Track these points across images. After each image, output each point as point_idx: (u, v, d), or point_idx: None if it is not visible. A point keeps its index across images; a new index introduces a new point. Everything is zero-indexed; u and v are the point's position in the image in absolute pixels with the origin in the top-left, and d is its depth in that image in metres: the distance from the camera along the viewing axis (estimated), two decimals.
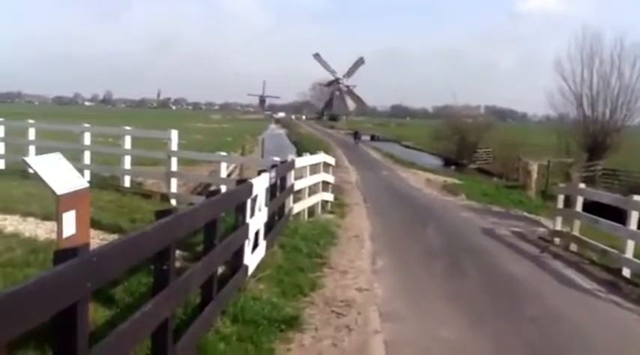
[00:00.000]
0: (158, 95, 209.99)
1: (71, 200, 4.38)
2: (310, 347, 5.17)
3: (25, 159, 4.70)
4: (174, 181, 12.06)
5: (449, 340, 5.63)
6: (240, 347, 4.73)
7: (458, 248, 10.52)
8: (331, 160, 15.39)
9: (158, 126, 30.55)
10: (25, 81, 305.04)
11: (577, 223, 10.87)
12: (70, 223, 4.32)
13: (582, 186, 11.74)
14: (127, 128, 13.24)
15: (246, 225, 6.11)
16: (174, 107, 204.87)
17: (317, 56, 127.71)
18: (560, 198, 12.01)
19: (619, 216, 9.84)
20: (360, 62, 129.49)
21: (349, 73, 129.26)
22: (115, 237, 7.20)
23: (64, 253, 2.59)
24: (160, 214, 3.79)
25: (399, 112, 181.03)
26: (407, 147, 60.06)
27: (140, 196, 11.80)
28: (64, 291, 2.43)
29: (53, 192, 4.26)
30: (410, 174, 27.05)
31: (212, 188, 12.71)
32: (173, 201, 11.76)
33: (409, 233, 11.89)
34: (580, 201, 10.92)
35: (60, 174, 4.49)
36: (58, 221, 4.27)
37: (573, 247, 10.76)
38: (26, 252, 6.29)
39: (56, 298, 2.37)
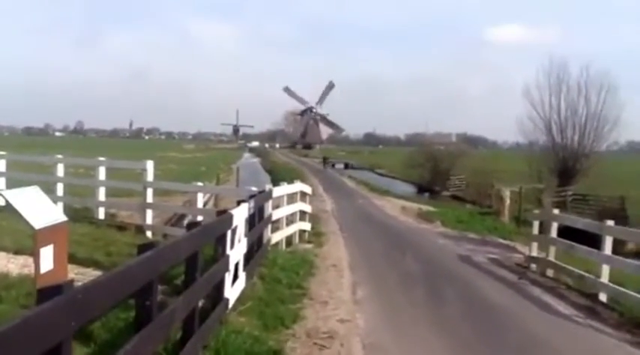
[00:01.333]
0: (130, 125, 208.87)
1: (49, 234, 4.29)
2: None
3: (1, 192, 4.60)
4: (149, 212, 11.89)
5: None
6: None
7: (437, 275, 10.54)
8: (308, 189, 15.39)
9: (131, 157, 30.27)
10: None
11: (552, 249, 11.00)
12: (47, 258, 4.23)
13: (556, 211, 11.91)
14: (101, 159, 13.04)
15: (227, 257, 6.03)
16: (146, 137, 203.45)
17: (287, 89, 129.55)
18: (535, 224, 12.15)
19: (590, 239, 10.03)
20: (330, 86, 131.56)
21: (321, 100, 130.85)
22: (90, 271, 7.04)
23: (48, 290, 2.51)
24: (142, 248, 3.72)
25: (371, 140, 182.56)
26: (381, 174, 60.51)
27: (115, 228, 11.59)
28: (49, 331, 2.34)
29: (31, 227, 4.17)
30: (385, 201, 27.17)
31: (188, 219, 12.58)
32: (148, 233, 11.58)
33: (387, 261, 11.88)
34: (555, 226, 11.06)
35: (37, 207, 4.39)
36: (36, 256, 4.17)
37: (550, 272, 10.86)
38: None
39: (41, 338, 2.28)
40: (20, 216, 4.20)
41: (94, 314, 3.00)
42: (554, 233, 11.05)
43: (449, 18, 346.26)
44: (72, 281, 2.74)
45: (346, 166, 71.96)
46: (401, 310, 7.95)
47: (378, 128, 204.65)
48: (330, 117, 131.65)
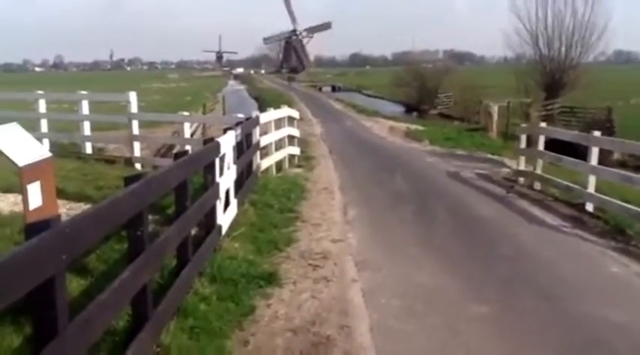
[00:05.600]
0: (111, 56, 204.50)
1: (34, 171, 4.25)
2: (290, 300, 5.22)
3: None
4: (137, 145, 11.82)
5: (425, 284, 5.75)
6: (221, 306, 4.74)
7: (426, 193, 10.67)
8: (295, 114, 15.27)
9: (114, 89, 29.78)
10: None
11: (540, 162, 11.09)
12: (35, 195, 4.20)
13: (543, 125, 11.93)
14: (84, 93, 12.80)
15: (217, 185, 6.05)
16: (128, 68, 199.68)
17: (266, 39, 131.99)
18: (523, 138, 12.20)
19: (576, 151, 10.12)
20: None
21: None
22: (82, 205, 7.05)
23: (36, 226, 2.51)
24: (129, 180, 3.70)
25: (358, 61, 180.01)
26: (368, 95, 59.99)
27: (103, 162, 11.55)
28: (40, 265, 2.36)
29: (14, 164, 4.12)
30: (373, 122, 27.09)
31: (176, 149, 12.54)
32: (137, 165, 11.57)
33: (377, 181, 11.98)
34: (542, 140, 11.10)
35: (19, 144, 4.33)
36: (23, 193, 4.15)
37: (537, 185, 11.00)
38: None
39: (32, 273, 2.30)
40: (2, 154, 4.14)
41: (84, 247, 3.02)
42: (541, 146, 11.11)
43: None
44: (59, 215, 2.74)
45: (333, 89, 71.21)
46: (391, 228, 8.09)
47: (365, 48, 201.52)
48: (311, 24, 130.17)
